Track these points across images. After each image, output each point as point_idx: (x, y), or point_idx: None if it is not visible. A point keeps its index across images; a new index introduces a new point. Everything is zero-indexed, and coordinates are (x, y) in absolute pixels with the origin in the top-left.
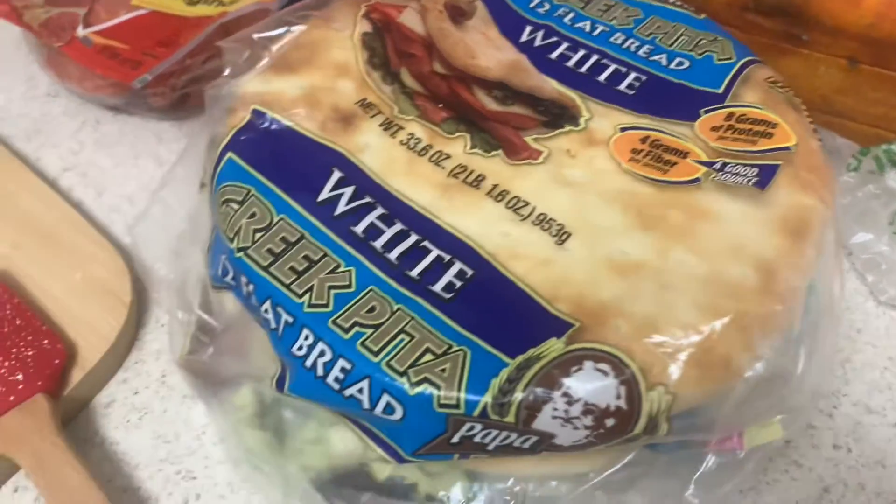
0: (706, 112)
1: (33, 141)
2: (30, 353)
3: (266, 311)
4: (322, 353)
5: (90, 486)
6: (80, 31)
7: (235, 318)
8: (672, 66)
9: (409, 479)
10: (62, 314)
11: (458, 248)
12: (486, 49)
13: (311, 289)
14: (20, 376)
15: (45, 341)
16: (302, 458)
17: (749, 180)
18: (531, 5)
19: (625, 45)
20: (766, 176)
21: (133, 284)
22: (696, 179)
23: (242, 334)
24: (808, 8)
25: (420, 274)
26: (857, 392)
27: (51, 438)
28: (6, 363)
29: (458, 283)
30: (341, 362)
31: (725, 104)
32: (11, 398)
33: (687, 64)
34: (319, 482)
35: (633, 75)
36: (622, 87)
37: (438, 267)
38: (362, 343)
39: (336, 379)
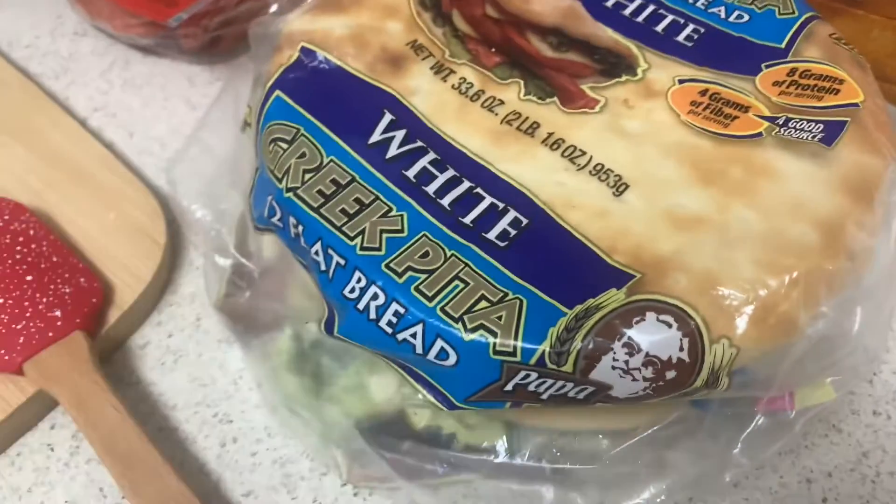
0: (768, 67)
1: (61, 80)
2: (67, 290)
3: (316, 252)
4: (375, 297)
5: (129, 424)
6: None
7: (274, 261)
8: (731, 18)
9: (447, 429)
10: (97, 253)
11: (512, 195)
12: None
13: (362, 231)
14: (58, 313)
15: (82, 279)
16: (340, 404)
17: (815, 136)
18: None
19: None
20: (832, 132)
21: (167, 226)
22: (759, 134)
23: (281, 278)
24: None
25: (473, 221)
26: None
27: (90, 375)
28: (44, 299)
29: (513, 232)
30: (395, 306)
31: (788, 59)
32: (50, 334)
33: (747, 17)
34: (357, 429)
35: (691, 27)
36: (680, 38)
37: (493, 214)
38: (416, 287)
39: (389, 323)
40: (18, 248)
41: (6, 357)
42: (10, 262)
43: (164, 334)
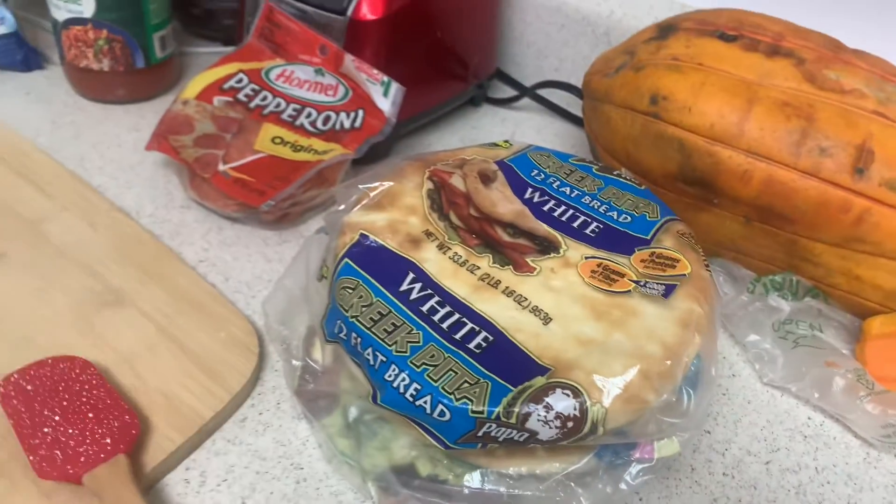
0: (638, 250)
1: (175, 239)
2: (116, 424)
3: (367, 354)
4: (403, 380)
5: None
6: (221, 167)
7: (329, 363)
8: (620, 219)
9: (441, 474)
10: (212, 358)
11: (484, 323)
12: (502, 201)
13: (396, 342)
14: (108, 440)
15: (126, 417)
16: (373, 458)
17: (660, 292)
18: (532, 174)
19: (591, 204)
20: (669, 290)
21: (259, 341)
22: (629, 291)
23: (334, 374)
24: (715, 182)
25: (461, 337)
26: (742, 441)
27: (128, 486)
28: (99, 430)
29: (484, 344)
30: (415, 385)
31: (651, 245)
32: (102, 456)
33: (629, 219)
34: (385, 473)
35: (594, 224)
36: (588, 231)
37: (472, 333)
38: (427, 375)
39: (411, 395)
40: (84, 394)
41: (71, 470)
42: (77, 403)
43: (256, 412)
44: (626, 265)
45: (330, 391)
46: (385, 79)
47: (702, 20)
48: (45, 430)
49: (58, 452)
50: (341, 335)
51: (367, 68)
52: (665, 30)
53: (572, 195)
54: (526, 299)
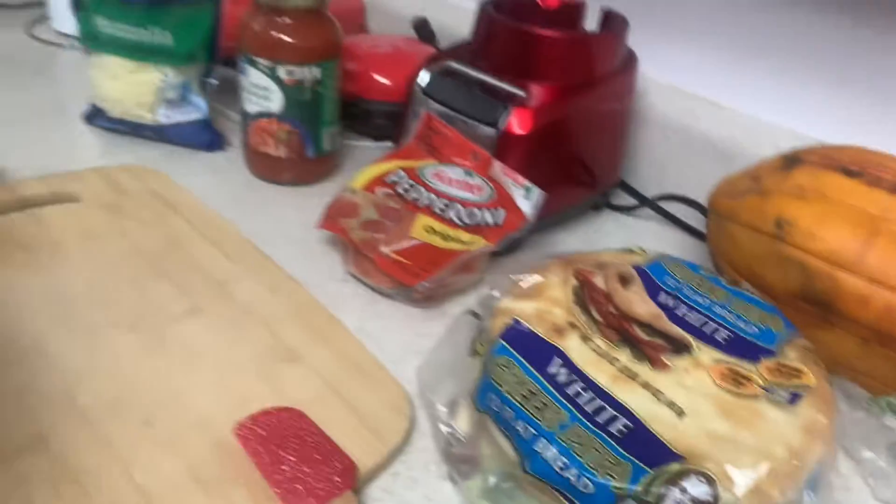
0: (764, 358)
1: (335, 308)
2: (339, 466)
3: (519, 426)
4: (552, 453)
5: None
6: (383, 248)
7: (471, 432)
8: (747, 329)
9: None
10: (370, 416)
11: (623, 411)
12: (639, 303)
13: (546, 418)
14: (337, 479)
15: (345, 459)
16: None
17: (787, 399)
18: (665, 280)
19: (720, 313)
20: (794, 398)
21: (410, 405)
22: (757, 395)
23: (476, 442)
24: (835, 303)
25: (603, 421)
26: None
27: None
28: (327, 469)
29: (624, 430)
30: (562, 458)
31: (776, 356)
32: (336, 492)
33: (756, 330)
34: None
35: (724, 331)
36: (718, 337)
37: (613, 419)
38: (573, 451)
39: (559, 467)
40: (307, 438)
41: (317, 495)
42: (304, 446)
43: (407, 468)
44: (753, 371)
45: (472, 455)
46: (528, 184)
47: (826, 155)
48: (284, 467)
49: (299, 487)
50: (493, 407)
51: (512, 174)
52: (791, 161)
53: (703, 303)
54: (662, 393)
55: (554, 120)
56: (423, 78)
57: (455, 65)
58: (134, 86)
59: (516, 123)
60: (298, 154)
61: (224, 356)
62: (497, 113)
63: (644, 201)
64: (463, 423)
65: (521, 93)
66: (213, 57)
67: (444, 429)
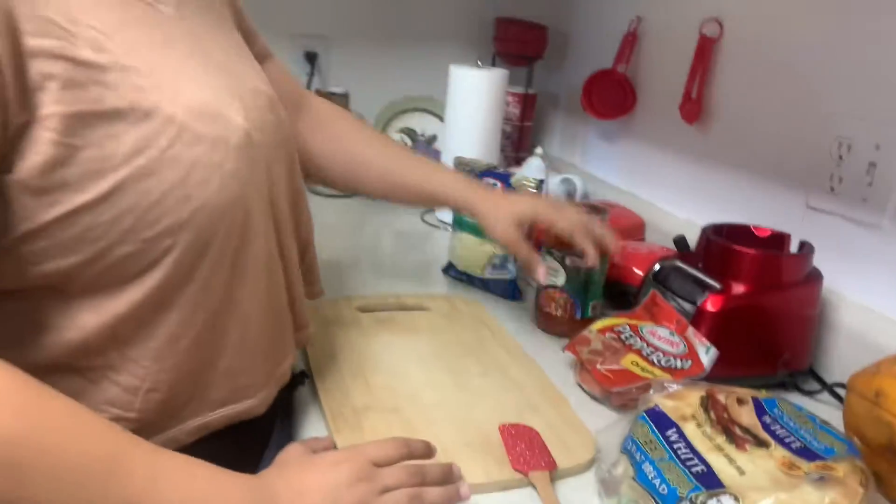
0: (818, 461)
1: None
2: (548, 459)
3: (658, 485)
4: (650, 469)
5: None
6: (599, 366)
7: (618, 472)
8: (818, 446)
9: None
10: (571, 448)
11: (703, 462)
12: (745, 415)
13: (652, 452)
14: (543, 462)
15: (551, 458)
16: None
17: (815, 479)
18: (773, 410)
19: (803, 434)
20: (821, 479)
21: (595, 447)
22: (800, 476)
23: (620, 478)
24: None
25: (689, 464)
26: None
27: (550, 486)
28: (540, 456)
29: (699, 472)
30: (656, 474)
31: (826, 460)
32: (541, 467)
33: (823, 447)
34: None
35: (798, 444)
36: (792, 446)
37: (695, 464)
38: (662, 472)
39: (651, 477)
40: (536, 443)
41: (526, 468)
42: (532, 445)
43: (576, 482)
44: (805, 465)
45: (615, 482)
46: (709, 346)
47: None
48: (517, 449)
49: (521, 459)
50: (629, 449)
51: (700, 337)
52: None
53: (793, 426)
54: (734, 461)
55: (738, 306)
56: (656, 269)
57: (678, 263)
58: (476, 254)
59: (710, 304)
60: (569, 315)
61: (498, 400)
62: (696, 295)
63: (825, 386)
64: (612, 462)
65: (717, 284)
66: None
67: (602, 467)
